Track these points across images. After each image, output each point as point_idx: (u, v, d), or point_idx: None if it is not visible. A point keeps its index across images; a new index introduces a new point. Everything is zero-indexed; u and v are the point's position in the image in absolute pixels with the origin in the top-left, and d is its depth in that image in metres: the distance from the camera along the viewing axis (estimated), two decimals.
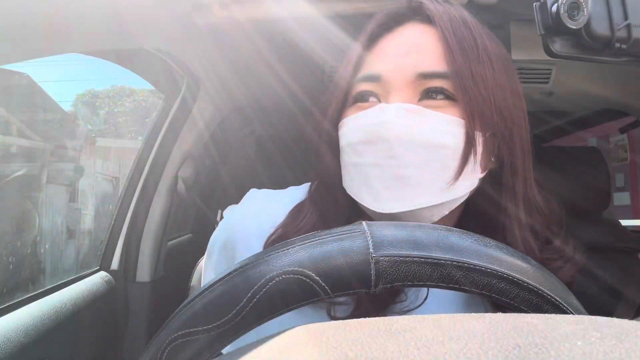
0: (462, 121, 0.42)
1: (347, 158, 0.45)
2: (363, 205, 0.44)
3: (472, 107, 0.42)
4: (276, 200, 0.54)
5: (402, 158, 0.41)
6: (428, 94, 0.43)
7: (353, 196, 0.44)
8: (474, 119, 0.42)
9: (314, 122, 0.52)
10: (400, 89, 0.42)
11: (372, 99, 0.44)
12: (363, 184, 0.43)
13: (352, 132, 0.44)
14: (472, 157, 0.42)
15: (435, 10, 0.45)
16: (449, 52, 0.42)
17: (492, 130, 0.43)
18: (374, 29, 0.47)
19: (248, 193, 0.57)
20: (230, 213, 0.55)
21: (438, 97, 0.43)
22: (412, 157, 0.41)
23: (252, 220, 0.51)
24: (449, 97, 0.42)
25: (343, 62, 0.49)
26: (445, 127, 0.42)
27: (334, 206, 0.48)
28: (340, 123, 0.46)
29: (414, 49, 0.43)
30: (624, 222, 1.30)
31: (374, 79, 0.44)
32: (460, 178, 0.42)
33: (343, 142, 0.46)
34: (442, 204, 0.42)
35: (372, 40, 0.46)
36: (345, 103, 0.47)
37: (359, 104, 0.45)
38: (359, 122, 0.43)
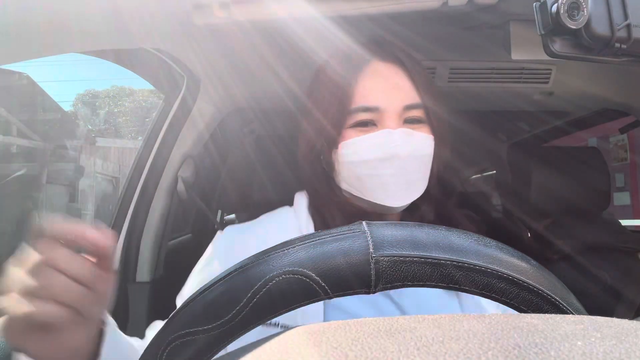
0: (432, 137, 0.60)
1: (363, 171, 0.58)
2: (372, 203, 0.59)
3: (437, 127, 0.61)
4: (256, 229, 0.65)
5: (409, 168, 0.58)
6: (409, 120, 0.59)
7: (367, 198, 0.59)
8: (439, 135, 0.61)
9: (304, 145, 0.65)
10: (391, 117, 0.58)
11: (370, 124, 0.58)
12: (379, 188, 0.58)
13: (366, 150, 0.58)
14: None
15: (402, 53, 0.61)
16: (417, 89, 0.59)
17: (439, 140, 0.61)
18: (349, 68, 0.60)
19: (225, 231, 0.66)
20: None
21: (415, 123, 0.59)
22: (414, 167, 0.58)
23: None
24: (421, 121, 0.60)
25: (324, 94, 0.62)
26: (427, 142, 0.59)
27: (334, 209, 0.63)
28: (343, 144, 0.59)
29: (396, 87, 0.59)
30: (624, 222, 1.30)
31: (373, 110, 0.58)
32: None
33: (354, 158, 0.59)
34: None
35: (351, 77, 0.59)
36: (340, 127, 0.59)
37: (360, 128, 0.59)
38: (372, 142, 0.57)
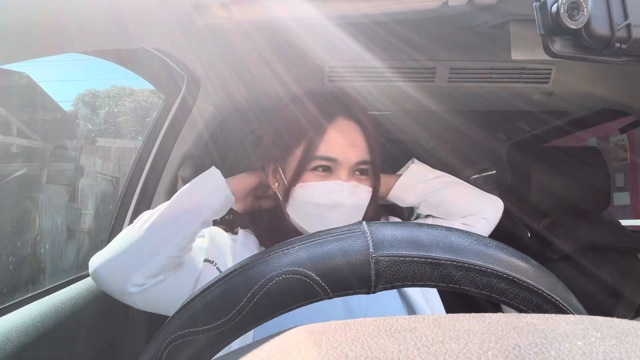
0: (371, 189, 0.74)
1: (312, 210, 0.71)
2: None
3: (376, 181, 0.76)
4: None
5: (350, 214, 0.71)
6: (358, 171, 0.73)
7: (310, 231, 0.67)
8: (376, 186, 0.76)
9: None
10: (344, 169, 0.71)
11: (327, 170, 0.71)
12: (323, 227, 0.62)
13: (319, 195, 0.70)
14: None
15: (361, 115, 0.74)
16: (369, 147, 0.73)
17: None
18: (317, 121, 0.71)
19: None
20: None
21: (363, 174, 0.73)
22: (355, 214, 0.72)
23: None
24: (367, 173, 0.74)
25: (294, 134, 0.73)
26: (367, 194, 0.74)
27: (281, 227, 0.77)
28: (301, 184, 0.71)
29: (354, 144, 0.72)
30: (624, 222, 1.30)
31: (331, 160, 0.70)
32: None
33: (307, 198, 0.70)
34: None
35: (319, 129, 0.71)
36: (303, 170, 0.71)
37: (318, 173, 0.71)
38: (324, 189, 0.70)
